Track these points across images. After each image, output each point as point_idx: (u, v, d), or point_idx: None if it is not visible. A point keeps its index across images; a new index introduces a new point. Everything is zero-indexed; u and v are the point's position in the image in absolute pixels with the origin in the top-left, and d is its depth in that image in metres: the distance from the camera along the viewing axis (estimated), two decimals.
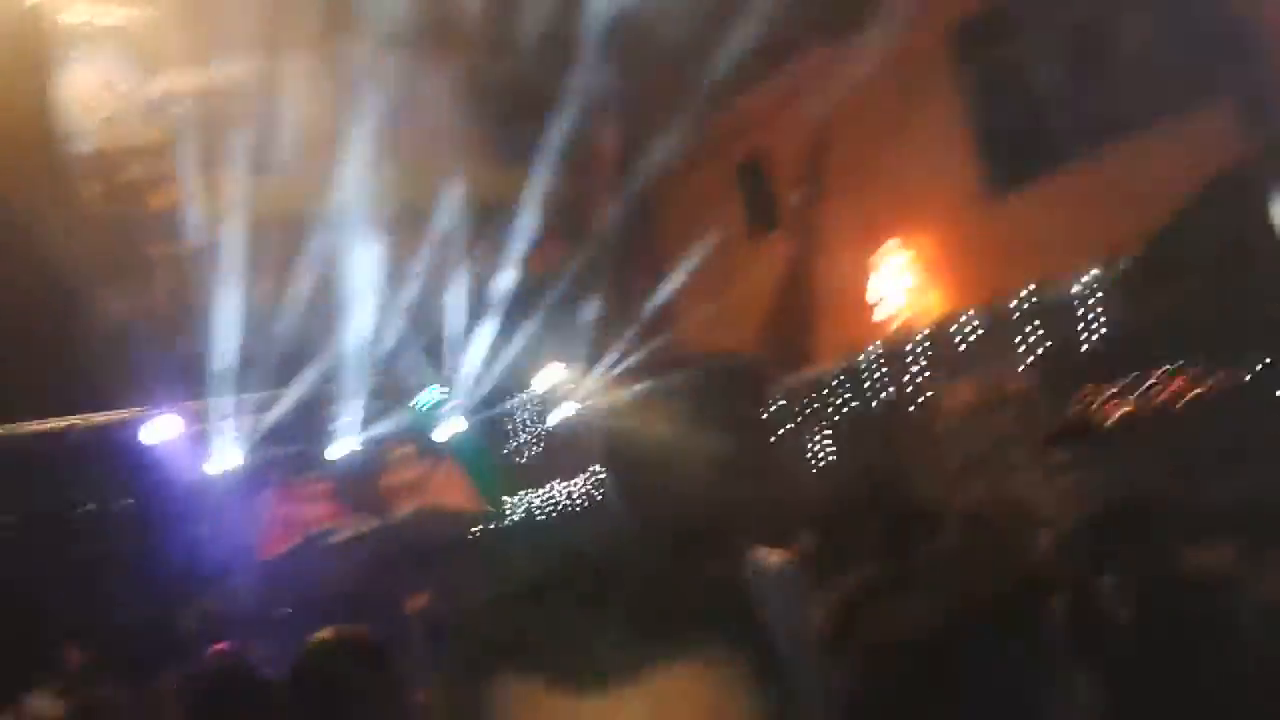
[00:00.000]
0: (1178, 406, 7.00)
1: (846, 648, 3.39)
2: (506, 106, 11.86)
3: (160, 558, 10.36)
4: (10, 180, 10.10)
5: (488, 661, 0.89)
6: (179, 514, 10.69)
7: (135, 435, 10.72)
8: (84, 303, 10.70)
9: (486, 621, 0.92)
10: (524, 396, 11.72)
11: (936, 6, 9.28)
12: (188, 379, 10.86)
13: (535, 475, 11.65)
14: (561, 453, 11.69)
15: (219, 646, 5.92)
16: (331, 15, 11.29)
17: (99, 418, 10.79)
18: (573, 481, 11.36)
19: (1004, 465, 8.16)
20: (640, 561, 0.97)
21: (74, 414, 10.67)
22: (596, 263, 11.72)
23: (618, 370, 11.03)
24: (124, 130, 12.09)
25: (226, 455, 10.86)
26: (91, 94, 11.94)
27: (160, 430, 10.71)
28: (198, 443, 10.92)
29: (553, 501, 11.20)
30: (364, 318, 10.92)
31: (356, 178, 11.66)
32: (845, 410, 9.75)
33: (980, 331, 8.88)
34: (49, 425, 10.56)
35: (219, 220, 11.16)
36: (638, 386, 10.89)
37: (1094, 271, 8.03)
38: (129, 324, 10.77)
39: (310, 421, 11.06)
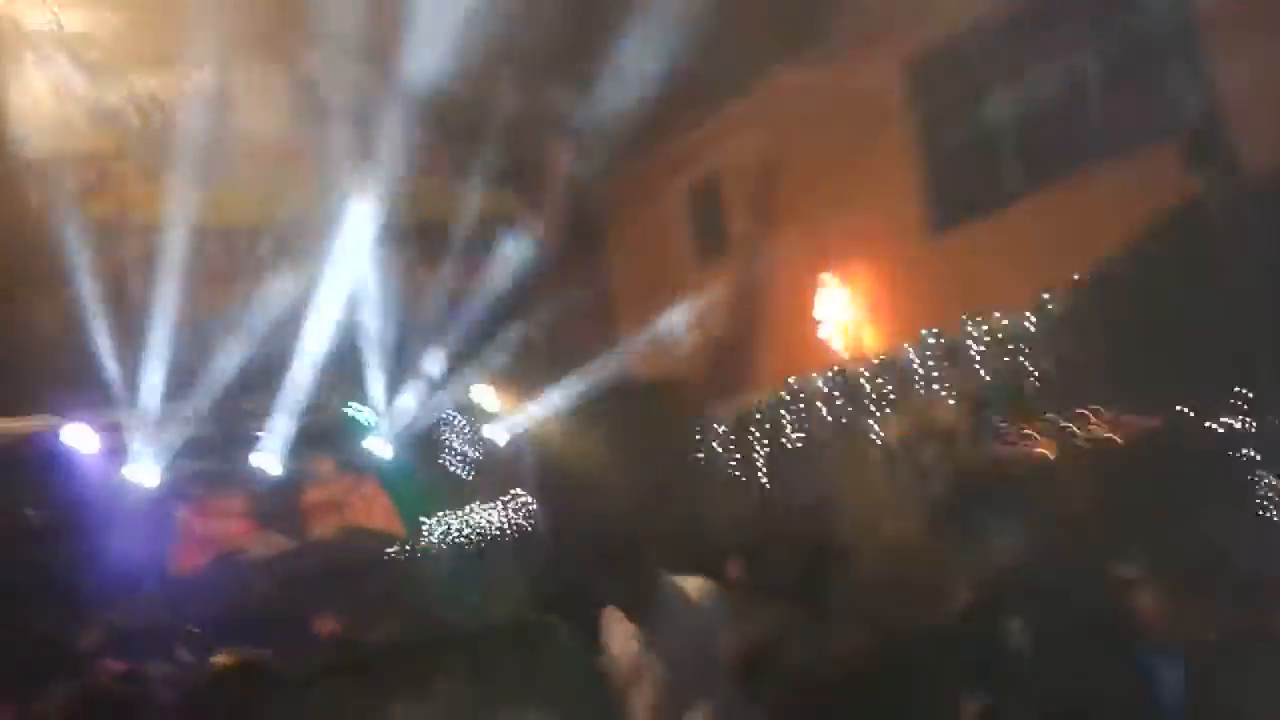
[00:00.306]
0: (1098, 447, 6.96)
1: (760, 680, 3.30)
2: (454, 122, 11.75)
3: (67, 569, 9.99)
4: None
5: None
6: (90, 525, 10.34)
7: (51, 443, 10.39)
8: (13, 307, 10.45)
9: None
10: (452, 416, 11.52)
11: (889, 39, 9.30)
12: (111, 389, 10.59)
13: (460, 496, 11.43)
14: (488, 474, 11.51)
15: (113, 665, 5.67)
16: (284, 27, 11.15)
17: (14, 423, 10.45)
18: (494, 504, 11.16)
19: (928, 499, 8.09)
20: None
21: None
22: (539, 281, 11.58)
23: (553, 393, 10.88)
24: (71, 136, 11.86)
25: (143, 467, 10.54)
26: (42, 99, 11.71)
27: (77, 439, 10.39)
28: (115, 454, 10.61)
29: (472, 525, 10.97)
30: (293, 331, 10.70)
31: (298, 191, 11.52)
32: (780, 439, 9.66)
33: (917, 364, 8.84)
34: None
35: (158, 230, 10.95)
36: (568, 410, 10.75)
37: (1034, 307, 8.02)
38: (59, 331, 10.52)
39: (230, 435, 10.77)
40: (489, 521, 10.94)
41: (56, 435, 10.41)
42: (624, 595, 4.45)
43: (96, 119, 12.00)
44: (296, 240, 11.27)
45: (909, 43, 9.43)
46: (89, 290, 10.70)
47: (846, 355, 9.53)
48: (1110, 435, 7.32)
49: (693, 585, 4.55)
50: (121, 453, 10.62)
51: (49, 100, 11.72)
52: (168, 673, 6.06)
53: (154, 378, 10.58)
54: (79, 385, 10.49)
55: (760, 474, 9.79)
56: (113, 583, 9.88)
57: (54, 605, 9.63)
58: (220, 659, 3.81)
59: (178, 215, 10.86)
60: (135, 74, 11.99)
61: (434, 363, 11.07)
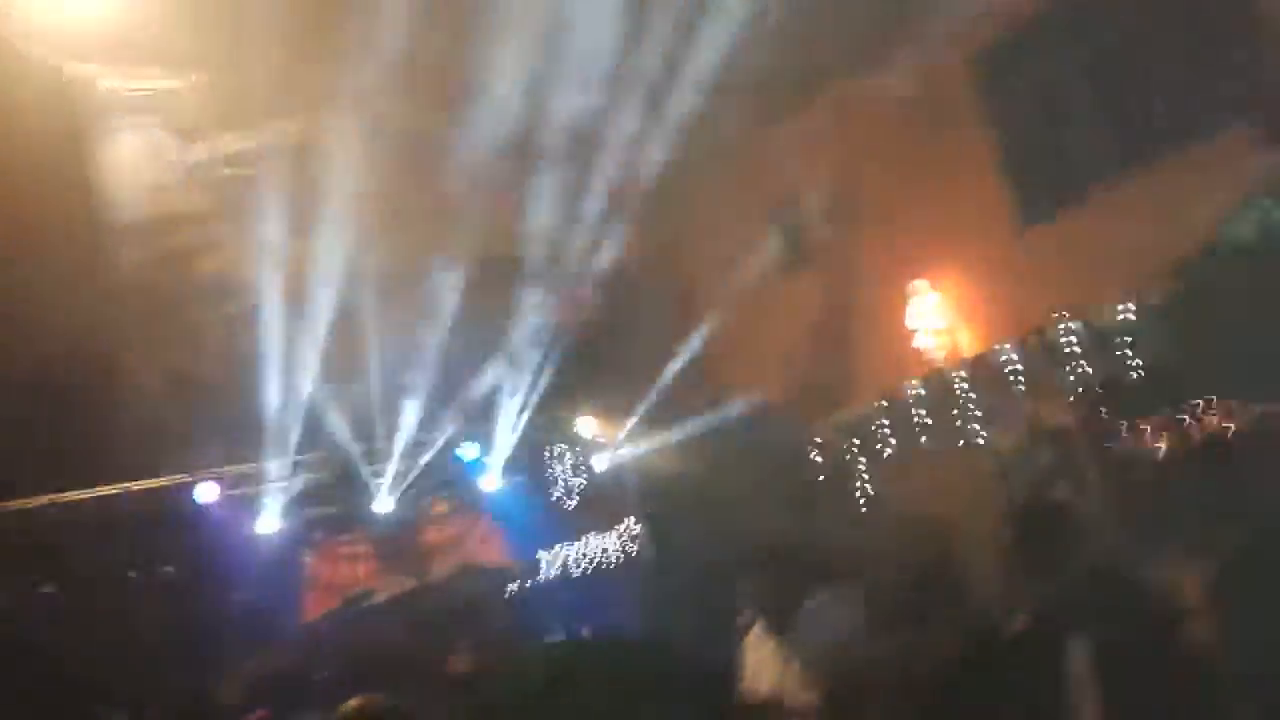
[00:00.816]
0: (1217, 439, 6.81)
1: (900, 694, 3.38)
2: (538, 152, 11.91)
3: (205, 623, 10.44)
4: (52, 251, 10.29)
5: None
6: (222, 579, 10.77)
7: (180, 501, 10.84)
8: (127, 370, 10.85)
9: None
10: (560, 448, 11.71)
11: (959, 34, 9.20)
12: (230, 442, 10.99)
13: (573, 527, 11.62)
14: (598, 504, 11.66)
15: (259, 715, 5.92)
16: (366, 79, 11.43)
17: (144, 485, 10.92)
18: (607, 534, 11.31)
19: (1051, 502, 7.98)
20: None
21: (121, 480, 10.82)
22: (628, 307, 11.71)
23: (653, 417, 10.98)
24: (168, 197, 12.33)
25: (269, 518, 10.95)
26: (135, 162, 12.21)
27: (206, 495, 10.82)
28: (240, 506, 11.02)
29: (587, 556, 11.15)
30: (401, 375, 11.00)
31: (393, 235, 11.83)
32: (883, 448, 9.61)
33: (1019, 365, 8.72)
34: (96, 493, 10.71)
35: (263, 283, 11.32)
36: (671, 434, 10.84)
37: (1129, 301, 7.87)
38: (174, 390, 10.91)
39: (348, 481, 11.12)
40: (599, 550, 11.11)
41: (187, 493, 10.86)
42: (770, 609, 4.55)
43: (191, 179, 12.48)
44: (398, 286, 11.56)
45: (982, 38, 9.33)
46: (202, 349, 11.13)
47: (942, 360, 9.44)
48: (1226, 425, 7.17)
49: (825, 598, 4.60)
50: (248, 505, 11.03)
51: (143, 163, 12.22)
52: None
53: (272, 429, 10.97)
54: (201, 441, 10.92)
55: (865, 486, 9.75)
56: (248, 634, 10.30)
57: (195, 660, 10.09)
58: (350, 703, 3.78)
59: (279, 268, 11.24)
60: (226, 132, 12.45)
61: (536, 396, 11.27)
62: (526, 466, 11.46)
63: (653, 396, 11.04)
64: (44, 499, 10.41)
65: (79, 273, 10.70)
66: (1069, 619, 3.29)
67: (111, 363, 10.66)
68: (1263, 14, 7.48)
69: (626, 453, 11.47)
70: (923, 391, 9.31)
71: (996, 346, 8.88)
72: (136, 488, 10.84)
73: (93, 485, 10.64)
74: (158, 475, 11.00)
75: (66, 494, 10.53)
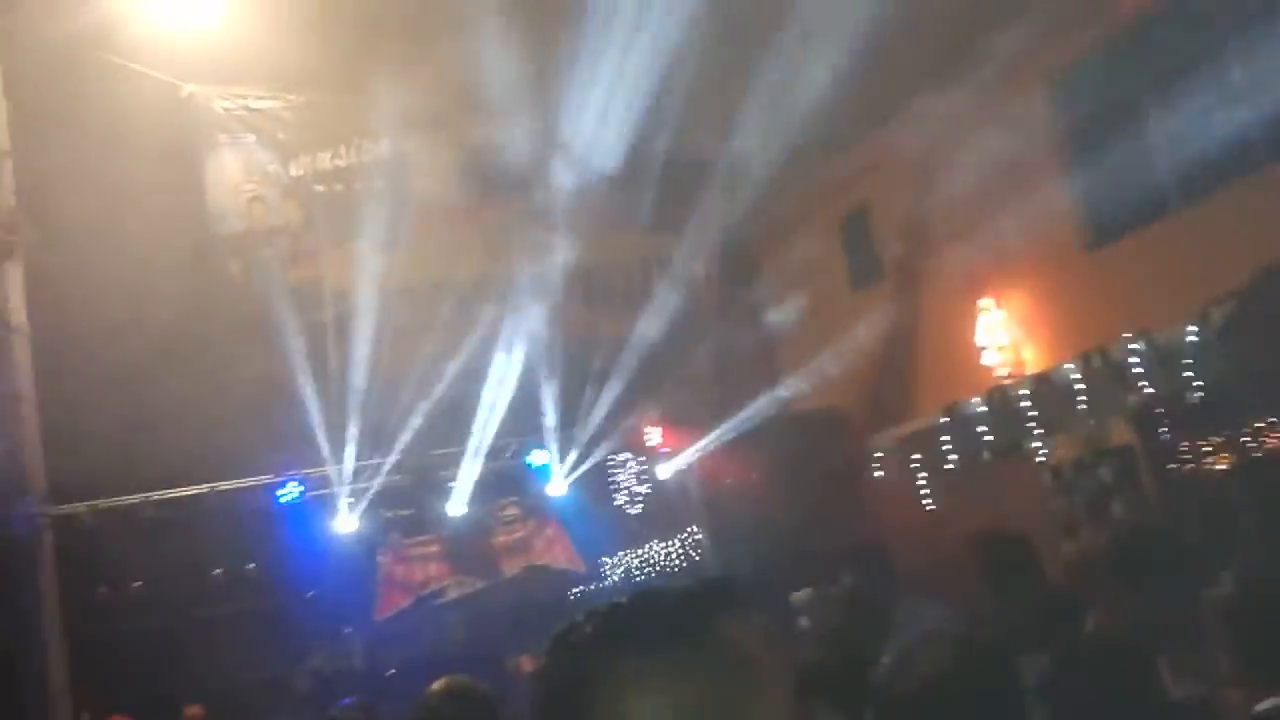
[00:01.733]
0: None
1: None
2: (612, 171, 12.17)
3: (281, 618, 10.85)
4: (162, 259, 10.84)
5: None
6: (302, 576, 11.20)
7: (265, 501, 11.28)
8: (223, 373, 11.33)
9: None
10: (626, 456, 11.92)
11: (1036, 55, 9.26)
12: (314, 445, 11.43)
13: (636, 534, 11.82)
14: (661, 512, 11.85)
15: (347, 701, 6.16)
16: (453, 102, 11.82)
17: (231, 485, 11.39)
18: (670, 541, 11.49)
19: (1113, 519, 8.00)
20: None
21: (213, 479, 11.31)
22: (700, 320, 11.92)
23: (719, 429, 11.15)
24: (266, 209, 12.92)
25: (346, 518, 11.35)
26: (239, 175, 12.83)
27: (289, 494, 11.25)
28: (321, 507, 11.44)
29: (650, 562, 11.33)
30: (476, 381, 11.35)
31: (474, 249, 12.23)
32: (946, 462, 9.65)
33: (1082, 383, 8.72)
34: (187, 492, 11.21)
35: (352, 293, 11.77)
36: (735, 444, 10.99)
37: (1193, 323, 7.84)
38: (263, 393, 11.35)
39: (423, 483, 11.48)
40: (663, 555, 11.28)
41: (270, 492, 11.31)
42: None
43: (286, 193, 13.05)
44: (475, 295, 11.91)
45: (1053, 62, 9.38)
46: (293, 353, 11.60)
47: (1008, 377, 9.47)
48: None
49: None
50: (328, 506, 11.45)
51: (241, 177, 12.83)
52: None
53: (353, 432, 11.40)
54: (287, 443, 11.37)
55: (929, 498, 9.80)
56: (323, 628, 10.68)
57: (273, 652, 10.50)
58: (435, 684, 3.92)
59: (367, 278, 11.68)
60: (318, 149, 13.02)
61: (605, 404, 11.51)
62: (593, 474, 11.69)
63: (721, 407, 11.19)
64: (138, 498, 10.91)
65: (182, 278, 11.23)
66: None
67: (206, 366, 11.12)
68: None
69: (692, 462, 11.64)
70: (985, 408, 9.34)
71: (1060, 365, 8.90)
72: (224, 488, 11.31)
73: (185, 485, 11.14)
74: (245, 476, 11.47)
75: (159, 493, 11.03)
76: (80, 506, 10.64)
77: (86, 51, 10.51)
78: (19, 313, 10.21)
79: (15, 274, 10.27)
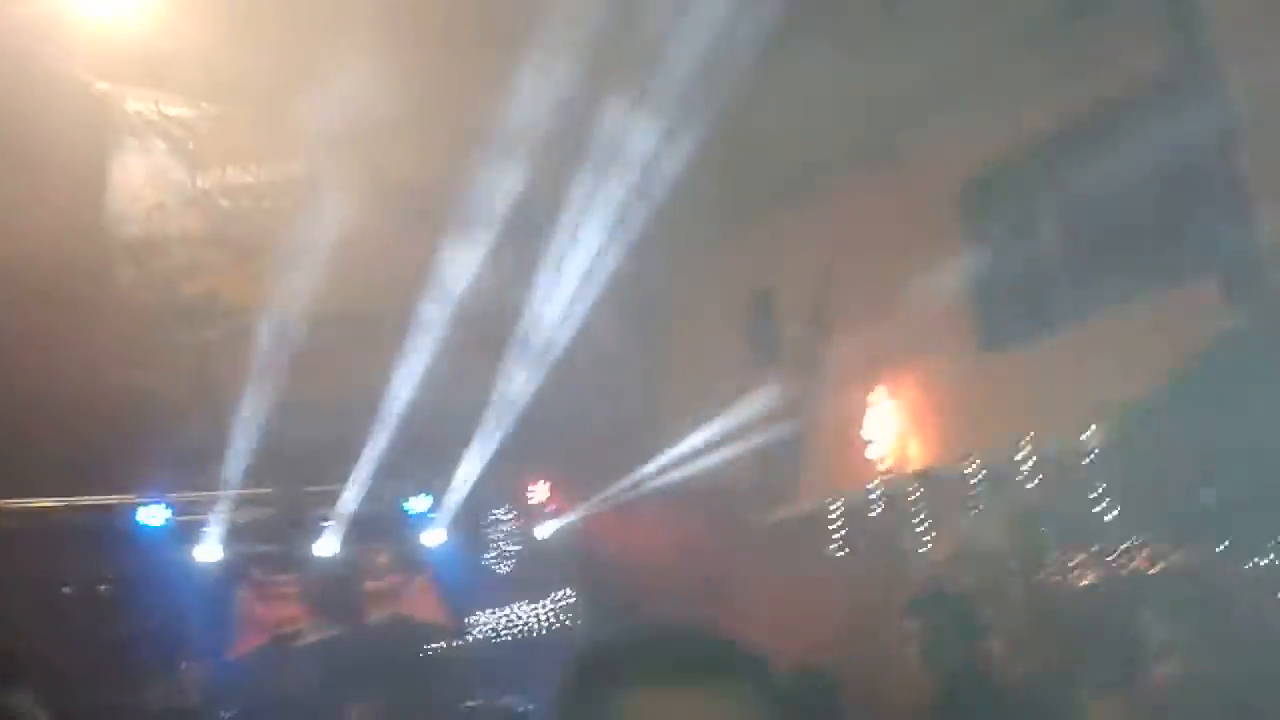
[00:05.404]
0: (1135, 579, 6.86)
1: None
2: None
3: (128, 644, 10.36)
4: (55, 259, 10.42)
5: None
6: (156, 602, 10.72)
7: (124, 520, 10.84)
8: (96, 381, 10.91)
9: None
10: (504, 511, 11.71)
11: (949, 159, 9.41)
12: (184, 467, 11.01)
13: (507, 591, 11.56)
14: (535, 571, 11.62)
15: None
16: (376, 126, 11.62)
17: (92, 500, 10.92)
18: (539, 603, 11.27)
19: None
20: None
21: (78, 493, 10.83)
22: (597, 385, 11.78)
23: (602, 492, 11.01)
24: (167, 218, 12.50)
25: (210, 547, 10.93)
26: (144, 181, 12.41)
27: (151, 517, 10.83)
28: (185, 533, 11.01)
29: (516, 622, 11.09)
30: (360, 420, 11.05)
31: (378, 282, 11.97)
32: (822, 551, 9.63)
33: (963, 484, 8.78)
34: (44, 502, 10.72)
35: (244, 315, 11.42)
36: (617, 509, 10.86)
37: (1076, 436, 7.96)
38: (138, 409, 10.96)
39: (294, 520, 11.12)
40: (533, 616, 11.05)
41: (133, 512, 10.86)
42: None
43: (189, 204, 12.65)
44: (377, 329, 11.65)
45: (966, 160, 9.54)
46: (173, 371, 11.20)
47: (892, 471, 9.50)
48: (1151, 570, 7.21)
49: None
50: (192, 531, 11.02)
51: (145, 183, 12.41)
52: None
53: (227, 459, 11.00)
54: (156, 464, 10.95)
55: (802, 587, 9.73)
56: (170, 660, 10.20)
57: (107, 682, 9.99)
58: None
59: (263, 301, 11.36)
60: (229, 163, 12.66)
61: (491, 456, 11.30)
62: (471, 526, 11.44)
63: (606, 470, 11.07)
64: None
65: (73, 282, 10.82)
66: None
67: (83, 375, 10.70)
68: (1238, 175, 7.65)
69: (572, 523, 11.47)
70: (867, 499, 9.36)
71: (945, 463, 8.96)
72: (84, 502, 10.84)
73: (42, 495, 10.65)
74: (108, 492, 11.01)
75: (14, 500, 10.53)
76: None
77: None
78: None
79: None
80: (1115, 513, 7.48)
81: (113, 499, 11.01)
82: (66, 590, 10.81)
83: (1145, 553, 7.33)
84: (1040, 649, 7.11)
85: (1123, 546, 7.38)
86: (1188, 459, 7.15)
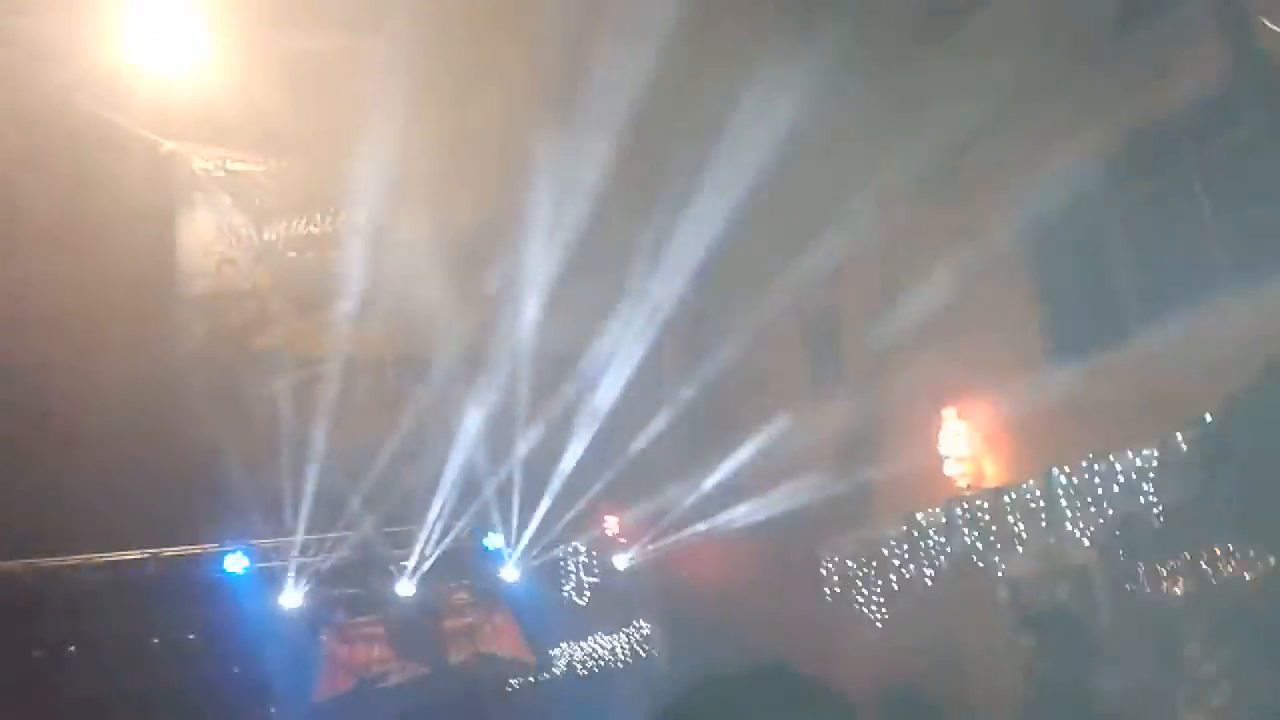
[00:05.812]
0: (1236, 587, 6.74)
1: None
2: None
3: (214, 695, 10.50)
4: (131, 316, 10.70)
5: None
6: (242, 650, 10.87)
7: (208, 569, 11.02)
8: (179, 437, 11.13)
9: None
10: (579, 545, 11.74)
11: (1009, 176, 9.34)
12: (264, 515, 11.20)
13: (583, 625, 11.57)
14: (611, 603, 11.63)
15: None
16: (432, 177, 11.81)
17: (176, 551, 11.12)
18: (616, 634, 11.26)
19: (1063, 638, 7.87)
20: None
21: (158, 544, 11.03)
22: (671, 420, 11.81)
23: (676, 524, 11.00)
24: (235, 273, 12.80)
25: (292, 593, 11.07)
26: (212, 237, 12.73)
27: (235, 565, 11.00)
28: (267, 579, 11.17)
29: (594, 655, 11.09)
30: (434, 461, 11.17)
31: (449, 327, 12.14)
32: (902, 573, 9.55)
33: (1041, 500, 8.68)
34: (130, 555, 10.92)
35: (315, 361, 11.62)
36: (691, 540, 10.84)
37: (1155, 446, 7.84)
38: (217, 459, 11.15)
39: (373, 562, 11.25)
40: (610, 648, 11.04)
41: (216, 561, 11.04)
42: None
43: (258, 258, 12.94)
44: (444, 373, 11.79)
45: (1029, 177, 9.48)
46: (250, 419, 11.41)
47: (968, 489, 9.42)
48: (1242, 575, 7.08)
49: None
50: (274, 578, 11.18)
51: (215, 238, 12.72)
52: None
53: (305, 505, 11.17)
54: (235, 512, 11.14)
55: (881, 610, 9.67)
56: (258, 707, 10.33)
57: None
58: None
59: (332, 347, 11.56)
60: (294, 216, 12.95)
61: (562, 492, 11.36)
62: (547, 561, 11.49)
63: (676, 501, 11.07)
64: (78, 559, 10.62)
65: (149, 338, 11.08)
66: None
67: (162, 429, 10.92)
68: None
69: (647, 554, 11.48)
70: (944, 519, 9.27)
71: (1023, 479, 8.86)
72: (168, 553, 11.04)
73: (129, 548, 10.86)
74: (193, 543, 11.21)
75: (102, 555, 10.75)
76: (18, 564, 10.34)
77: (70, 98, 10.45)
78: None
79: None
80: (1204, 521, 7.35)
81: (195, 549, 11.20)
82: (155, 641, 10.99)
83: (1235, 561, 7.21)
84: (1136, 662, 7.00)
85: (1215, 554, 7.25)
86: (1273, 465, 7.04)
